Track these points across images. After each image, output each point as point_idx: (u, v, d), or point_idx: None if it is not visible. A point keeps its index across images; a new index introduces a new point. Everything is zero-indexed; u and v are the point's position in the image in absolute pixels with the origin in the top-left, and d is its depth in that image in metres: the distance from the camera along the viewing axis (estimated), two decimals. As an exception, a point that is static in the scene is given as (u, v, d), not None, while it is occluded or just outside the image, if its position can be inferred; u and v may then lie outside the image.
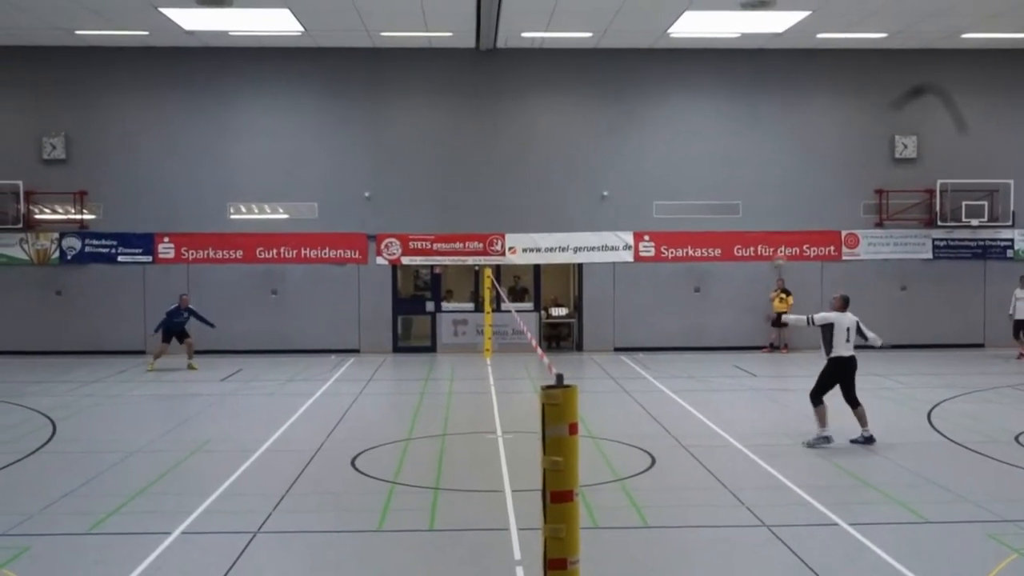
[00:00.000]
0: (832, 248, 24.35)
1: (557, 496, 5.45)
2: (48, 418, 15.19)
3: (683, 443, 13.16)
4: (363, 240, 23.81)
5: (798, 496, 10.38)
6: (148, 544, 8.76)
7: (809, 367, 15.67)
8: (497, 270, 23.78)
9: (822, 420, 12.84)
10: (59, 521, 9.60)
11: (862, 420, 12.98)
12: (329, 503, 10.32)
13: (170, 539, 8.98)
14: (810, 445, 12.77)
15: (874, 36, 22.68)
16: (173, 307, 20.97)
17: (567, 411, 5.44)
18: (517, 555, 8.50)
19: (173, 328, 20.85)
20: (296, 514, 9.85)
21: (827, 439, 12.78)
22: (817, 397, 12.96)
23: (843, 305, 13.20)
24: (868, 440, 12.86)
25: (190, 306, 21.02)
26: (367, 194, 23.66)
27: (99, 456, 12.56)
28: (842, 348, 12.95)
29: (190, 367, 20.75)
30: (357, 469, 11.80)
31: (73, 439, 13.82)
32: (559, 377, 5.46)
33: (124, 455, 12.63)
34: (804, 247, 24.23)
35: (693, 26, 21.60)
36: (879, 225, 24.40)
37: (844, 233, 24.36)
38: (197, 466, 12.16)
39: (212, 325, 21.10)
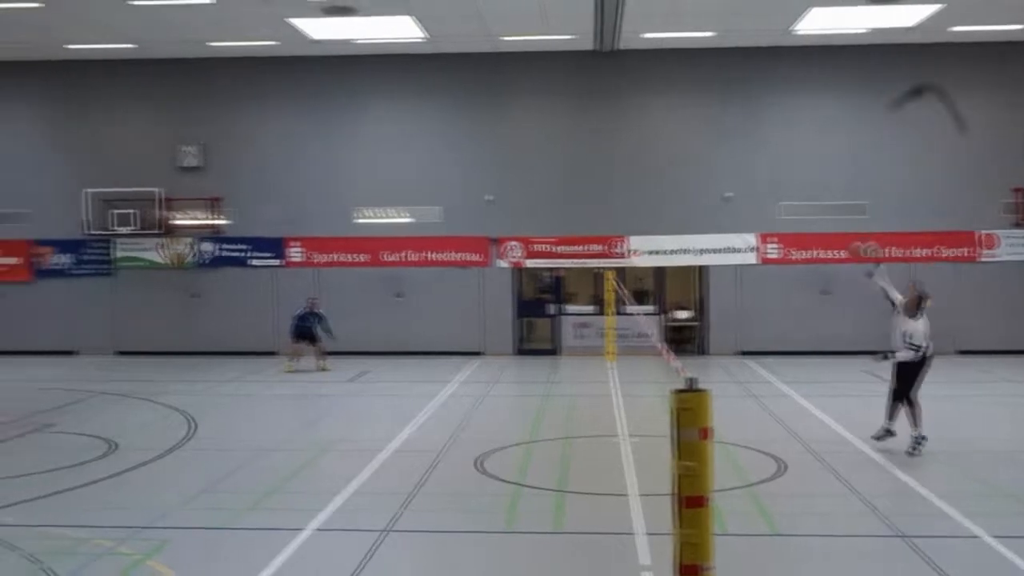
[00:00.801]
0: (967, 249, 23.43)
1: (691, 501, 5.41)
2: (186, 416, 15.78)
3: (811, 449, 12.87)
4: (486, 243, 24.01)
5: (934, 505, 10.04)
6: (282, 540, 9.02)
7: (941, 372, 15.12)
8: (620, 273, 23.67)
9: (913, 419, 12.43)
10: (197, 516, 9.96)
11: (913, 420, 12.46)
12: (456, 503, 10.45)
13: (303, 535, 9.23)
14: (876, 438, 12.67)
15: (1010, 28, 21.78)
16: (300, 311, 21.51)
17: (701, 415, 5.39)
18: (643, 560, 8.46)
19: (303, 331, 21.41)
20: (424, 513, 10.01)
21: (889, 432, 12.59)
22: (902, 397, 12.55)
23: (915, 303, 12.52)
24: (917, 441, 12.31)
25: (319, 311, 21.49)
26: (489, 197, 23.85)
27: (234, 453, 13.00)
28: (901, 351, 12.42)
29: (322, 368, 21.24)
30: (482, 470, 11.91)
31: (209, 437, 14.32)
32: (692, 380, 5.41)
33: (257, 453, 13.03)
34: (936, 248, 23.39)
35: (819, 23, 21.12)
36: (1019, 225, 23.38)
37: (980, 233, 23.42)
38: (327, 464, 12.47)
39: (333, 336, 21.52)
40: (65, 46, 22.75)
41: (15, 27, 20.83)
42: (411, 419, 15.37)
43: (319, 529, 9.47)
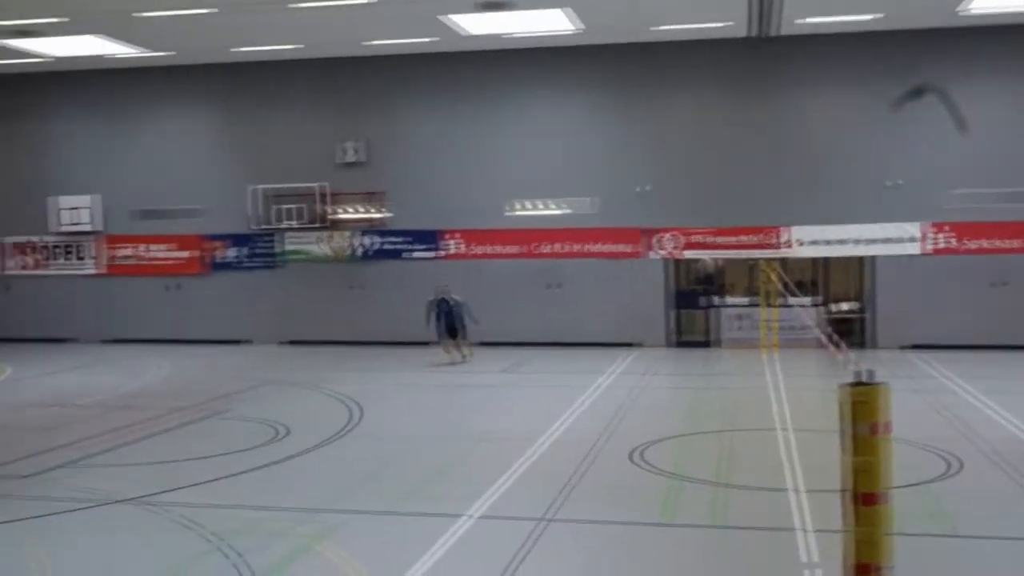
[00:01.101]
0: None
1: (867, 498, 5.27)
2: (350, 404, 16.32)
3: (986, 447, 12.34)
4: (641, 234, 23.89)
5: (1121, 509, 9.50)
6: (443, 526, 9.26)
7: None
8: (781, 263, 23.13)
9: None
10: (364, 500, 10.32)
11: None
12: (613, 495, 10.49)
13: (464, 521, 9.45)
14: None
15: None
16: (433, 298, 21.67)
17: (877, 410, 5.24)
18: (805, 557, 8.30)
19: (443, 318, 21.60)
20: (582, 503, 10.09)
21: None
22: None
23: None
24: None
25: (454, 296, 21.63)
26: (643, 187, 23.68)
27: (397, 441, 13.39)
28: None
29: (463, 357, 21.41)
30: (638, 462, 11.90)
31: (373, 424, 14.78)
32: (869, 373, 5.27)
33: (419, 440, 13.39)
34: (1124, 236, 21.99)
35: (990, 1, 20.12)
36: None
37: None
38: (485, 453, 12.69)
39: (476, 321, 21.75)
40: (232, 49, 23.76)
41: (187, 34, 21.86)
42: (566, 410, 15.47)
43: (480, 516, 9.67)
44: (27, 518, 9.80)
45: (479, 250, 24.69)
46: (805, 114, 23.25)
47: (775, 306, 22.53)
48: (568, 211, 24.22)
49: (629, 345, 23.75)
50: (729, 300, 24.28)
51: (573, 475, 11.22)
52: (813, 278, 24.12)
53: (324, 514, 9.74)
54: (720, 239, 23.53)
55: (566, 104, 24.32)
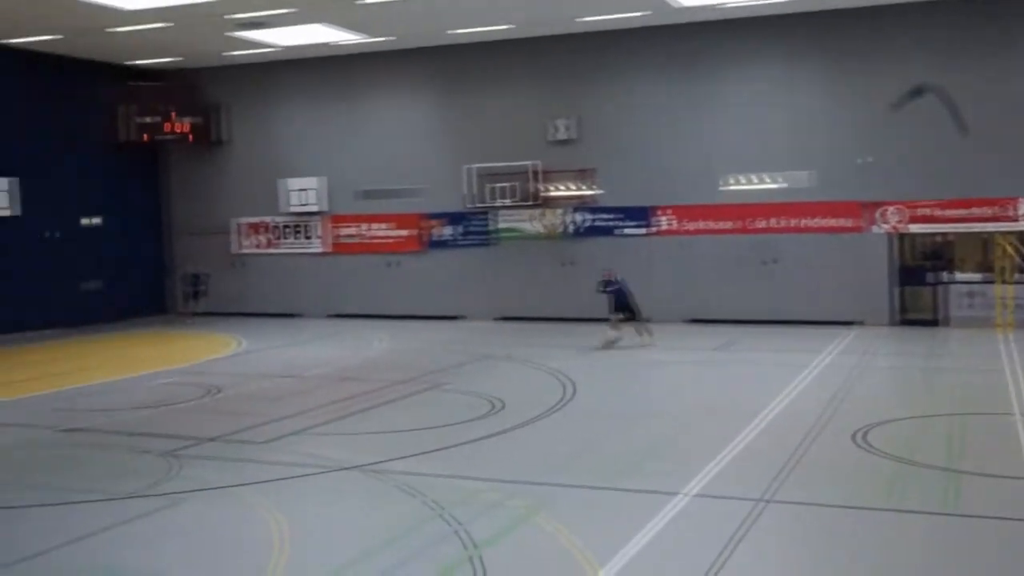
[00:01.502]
0: None
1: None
2: (564, 379, 16.46)
3: None
4: (863, 208, 22.86)
5: None
6: (659, 503, 9.18)
7: None
8: (1020, 237, 21.59)
9: None
10: (579, 475, 10.37)
11: None
12: (836, 477, 10.11)
13: (679, 499, 9.34)
14: None
15: None
16: (604, 279, 21.21)
17: None
18: (1052, 549, 7.74)
19: (613, 297, 21.01)
20: (803, 486, 9.77)
21: None
22: None
23: None
24: None
25: (617, 278, 21.09)
26: (865, 159, 22.62)
27: (610, 416, 13.40)
28: None
29: (642, 341, 20.54)
30: (862, 444, 11.42)
31: (586, 399, 14.84)
32: None
33: (632, 416, 13.36)
34: None
35: None
36: None
37: None
38: (700, 431, 12.51)
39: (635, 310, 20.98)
40: (448, 32, 24.29)
41: (405, 19, 22.52)
42: (783, 389, 15.02)
43: (695, 495, 9.54)
44: (264, 481, 10.41)
45: (691, 226, 24.30)
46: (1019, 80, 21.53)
47: (1011, 283, 21.07)
48: (783, 185, 23.47)
49: (849, 323, 22.83)
50: (959, 276, 22.91)
51: (792, 456, 10.89)
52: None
53: (539, 487, 9.85)
54: (948, 212, 22.22)
55: (784, 74, 23.52)
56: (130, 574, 7.90)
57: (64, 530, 8.86)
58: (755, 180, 23.67)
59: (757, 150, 23.60)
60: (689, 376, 16.86)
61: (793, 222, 23.45)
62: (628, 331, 20.28)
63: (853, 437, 11.71)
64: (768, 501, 9.23)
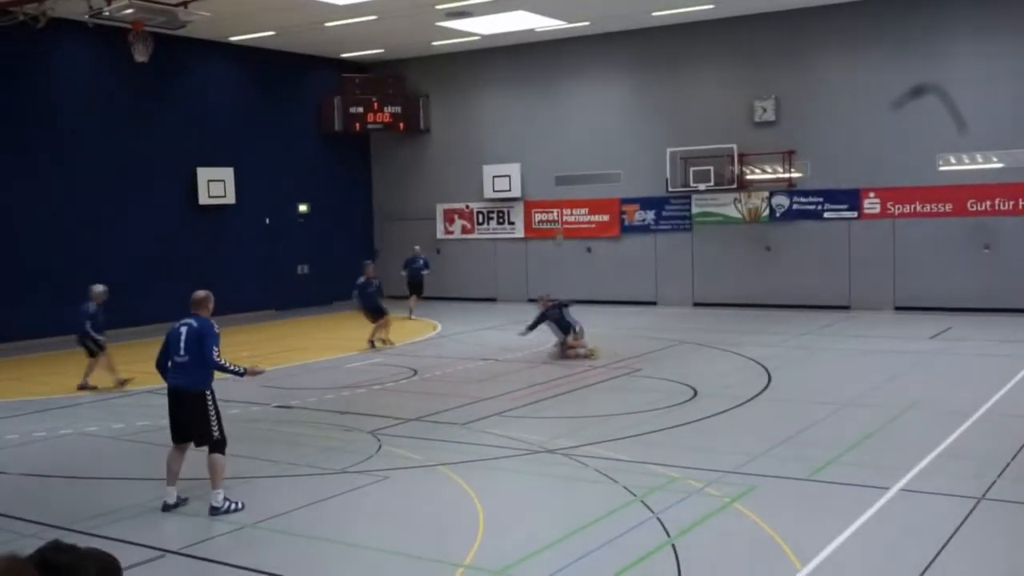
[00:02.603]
0: None
1: None
2: (763, 367, 16.06)
3: None
4: (1093, 188, 21.20)
5: None
6: (867, 496, 8.81)
7: None
8: None
9: None
10: (780, 465, 10.08)
11: None
12: (1062, 476, 9.43)
13: (889, 494, 8.94)
14: None
15: None
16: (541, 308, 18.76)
17: None
18: None
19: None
20: (1023, 484, 9.16)
21: None
22: None
23: None
24: None
25: (554, 302, 18.70)
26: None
27: (813, 406, 12.96)
28: None
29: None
30: (1093, 442, 10.60)
31: (787, 388, 14.43)
32: None
33: (836, 407, 12.86)
34: None
35: None
36: None
37: None
38: (910, 423, 11.93)
39: None
40: (652, 14, 24.04)
41: (604, 3, 22.44)
42: (1004, 381, 14.12)
43: (905, 489, 9.10)
44: (466, 461, 10.64)
45: (903, 208, 23.16)
46: None
47: None
48: (1005, 165, 22.01)
49: (1079, 312, 21.24)
50: None
51: (1015, 452, 10.22)
52: None
53: (739, 476, 9.64)
54: None
55: (1000, 47, 22.00)
56: (342, 544, 8.24)
57: (281, 501, 9.34)
58: (975, 159, 22.29)
59: (977, 127, 22.15)
60: (900, 366, 16.07)
61: (1015, 203, 21.99)
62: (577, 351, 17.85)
63: (1083, 434, 10.88)
64: (984, 499, 8.70)
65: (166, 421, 9.53)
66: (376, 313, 20.19)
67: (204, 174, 25.52)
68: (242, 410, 13.75)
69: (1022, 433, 10.99)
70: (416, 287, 25.38)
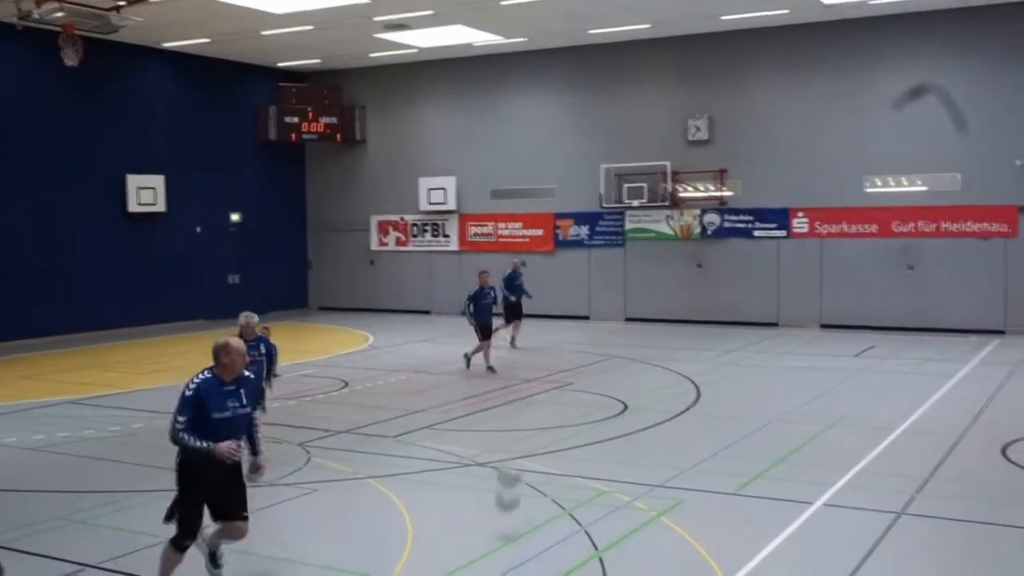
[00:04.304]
0: None
1: None
2: (692, 382, 16.24)
3: None
4: (1013, 212, 21.83)
5: None
6: (792, 511, 8.96)
7: None
8: None
9: None
10: (708, 479, 10.21)
11: None
12: (979, 492, 9.68)
13: (813, 508, 9.10)
14: None
15: None
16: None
17: None
18: None
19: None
20: (942, 500, 9.40)
21: None
22: None
23: None
24: None
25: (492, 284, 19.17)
26: (1019, 162, 21.60)
27: (741, 421, 13.14)
28: None
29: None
30: (1010, 459, 10.91)
31: (716, 403, 14.61)
32: None
33: (764, 422, 13.06)
34: None
35: None
36: None
37: None
38: (835, 440, 12.15)
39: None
40: (589, 31, 24.24)
41: (541, 20, 22.56)
42: (925, 398, 14.48)
43: (828, 504, 9.27)
44: (396, 474, 10.59)
45: (831, 228, 23.63)
46: None
47: None
48: (928, 188, 22.59)
49: (998, 332, 21.85)
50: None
51: (934, 468, 10.47)
52: None
53: (667, 490, 9.74)
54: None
55: (931, 72, 22.56)
56: (269, 558, 8.14)
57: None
58: (900, 182, 22.86)
59: (901, 152, 22.79)
60: (826, 383, 16.38)
61: (939, 226, 22.57)
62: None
63: (1002, 451, 11.19)
64: (904, 514, 8.90)
65: (89, 432, 9.34)
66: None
67: (134, 181, 25.10)
68: (166, 420, 13.50)
69: (941, 449, 11.27)
70: (517, 311, 21.15)
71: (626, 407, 14.17)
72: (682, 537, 8.32)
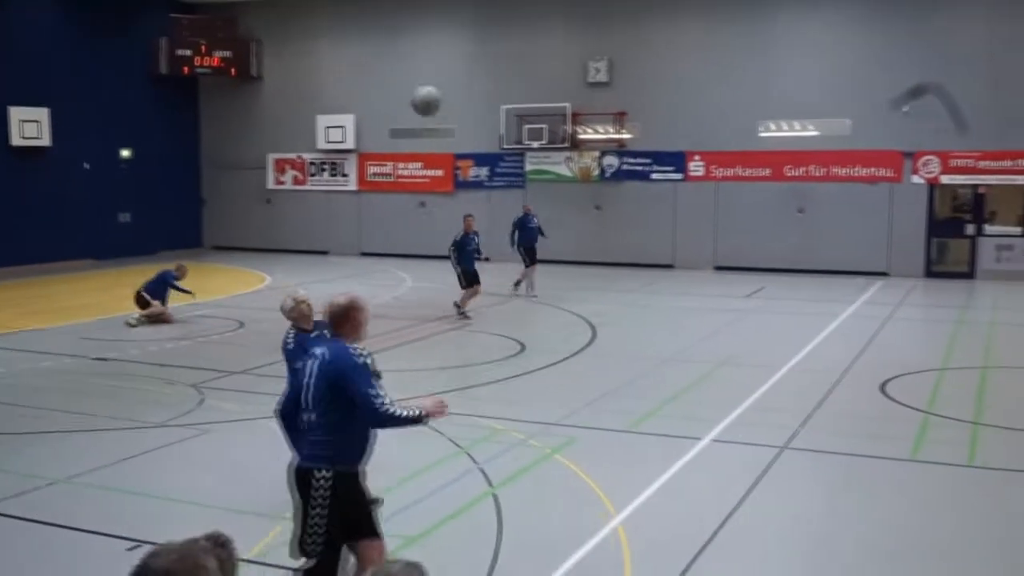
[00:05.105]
0: None
1: None
2: (589, 323, 16.48)
3: None
4: (898, 158, 22.57)
5: None
6: (681, 447, 9.24)
7: None
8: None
9: None
10: (600, 417, 10.43)
11: None
12: (858, 427, 10.12)
13: (701, 444, 9.39)
14: None
15: None
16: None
17: None
18: (1072, 504, 7.73)
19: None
20: (824, 434, 9.79)
21: None
22: None
23: None
24: None
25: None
26: (905, 108, 22.24)
27: (634, 361, 13.42)
28: None
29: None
30: (887, 395, 11.40)
31: (611, 343, 14.87)
32: None
33: (657, 362, 13.37)
34: None
35: None
36: None
37: None
38: (725, 378, 12.52)
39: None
40: (485, -31, 24.04)
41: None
42: (811, 338, 14.98)
43: (716, 440, 9.58)
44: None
45: (726, 172, 24.08)
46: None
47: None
48: (820, 133, 23.14)
49: (882, 274, 22.66)
50: (995, 229, 22.63)
51: (817, 404, 10.89)
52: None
53: (561, 428, 9.94)
54: (986, 163, 21.91)
55: (826, 20, 23.05)
56: (160, 499, 8.07)
57: (96, 455, 9.05)
58: (793, 127, 23.36)
59: (795, 97, 23.26)
60: (716, 324, 16.80)
61: (829, 170, 23.20)
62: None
63: (881, 388, 11.68)
64: (787, 448, 9.26)
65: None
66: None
67: (16, 113, 24.10)
68: (55, 362, 13.20)
69: (825, 387, 11.71)
70: (533, 254, 20.40)
71: (523, 347, 14.33)
72: (574, 473, 8.51)
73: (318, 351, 5.65)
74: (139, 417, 10.41)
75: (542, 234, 20.86)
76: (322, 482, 5.39)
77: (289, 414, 5.90)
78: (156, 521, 7.66)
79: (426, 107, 10.43)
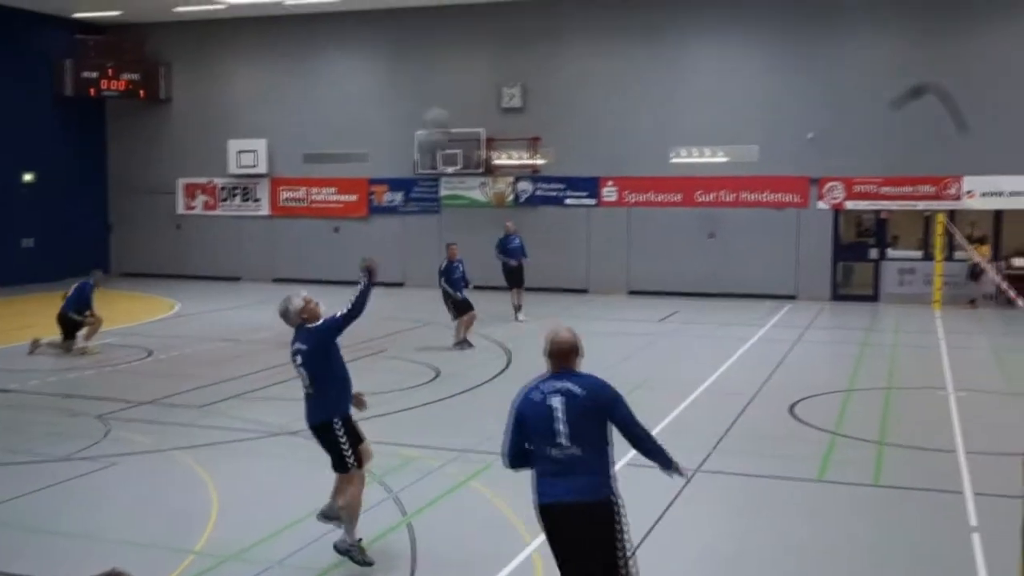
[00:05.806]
0: None
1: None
2: (504, 348, 16.52)
3: None
4: (804, 184, 23.13)
5: None
6: (595, 471, 9.25)
7: None
8: (951, 216, 22.02)
9: None
10: (516, 443, 10.40)
11: None
12: (767, 448, 10.29)
13: (615, 468, 9.39)
14: None
15: None
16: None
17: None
18: (973, 521, 7.96)
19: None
20: (734, 456, 9.94)
21: None
22: None
23: None
24: None
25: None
26: (810, 135, 22.84)
27: (549, 386, 13.43)
28: None
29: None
30: (796, 416, 11.63)
31: (526, 368, 14.74)
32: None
33: (571, 386, 13.39)
34: None
35: None
36: None
37: None
38: (639, 401, 12.26)
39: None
40: (398, -6, 24.07)
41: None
42: (722, 361, 15.22)
43: (630, 464, 9.62)
44: (200, 445, 10.33)
45: (638, 197, 24.40)
46: (992, 56, 21.85)
47: (941, 261, 21.51)
48: (729, 160, 23.62)
49: (791, 297, 23.15)
50: (898, 254, 23.33)
51: (728, 427, 11.05)
52: (990, 232, 22.87)
53: (476, 455, 9.91)
54: (887, 189, 22.59)
55: (736, 49, 23.65)
56: (63, 535, 7.81)
57: (9, 488, 8.73)
58: (707, 153, 23.78)
59: (705, 124, 23.71)
60: (630, 347, 16.96)
61: (738, 196, 23.66)
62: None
63: (789, 410, 11.90)
64: (699, 471, 9.36)
65: None
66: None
67: (-87, 136, 23.33)
68: (-47, 394, 12.72)
69: (735, 408, 11.90)
70: (517, 277, 20.29)
71: (438, 373, 14.28)
72: (489, 501, 8.49)
73: (559, 385, 5.71)
74: (41, 450, 10.09)
75: (524, 254, 20.53)
76: (615, 508, 5.74)
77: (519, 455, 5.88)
78: (57, 559, 7.42)
79: (437, 124, 10.28)
